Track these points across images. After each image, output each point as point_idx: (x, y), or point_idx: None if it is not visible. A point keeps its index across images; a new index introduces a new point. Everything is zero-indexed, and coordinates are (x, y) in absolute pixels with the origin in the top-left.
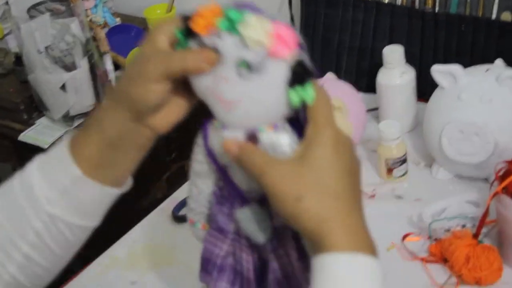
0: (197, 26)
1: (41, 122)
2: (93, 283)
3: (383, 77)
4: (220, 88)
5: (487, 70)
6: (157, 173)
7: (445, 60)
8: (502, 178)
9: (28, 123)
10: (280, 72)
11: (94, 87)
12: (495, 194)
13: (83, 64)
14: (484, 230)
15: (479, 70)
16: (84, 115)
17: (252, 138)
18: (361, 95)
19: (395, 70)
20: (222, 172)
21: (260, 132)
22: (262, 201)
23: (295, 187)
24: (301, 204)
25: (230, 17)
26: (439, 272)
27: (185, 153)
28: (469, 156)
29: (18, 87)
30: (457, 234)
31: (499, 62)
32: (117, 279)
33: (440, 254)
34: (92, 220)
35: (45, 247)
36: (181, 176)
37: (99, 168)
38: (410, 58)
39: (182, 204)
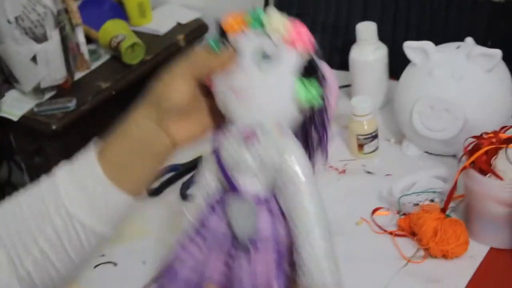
0: (227, 25)
1: (11, 94)
2: None
3: (356, 53)
4: (236, 79)
5: (458, 47)
6: None
7: (417, 38)
8: (470, 153)
9: None
10: (292, 62)
11: (65, 59)
12: (464, 168)
13: (54, 36)
14: (452, 205)
15: (450, 47)
16: (55, 88)
17: (249, 137)
18: (334, 72)
19: (368, 47)
20: (224, 173)
21: (266, 130)
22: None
23: None
24: None
25: (256, 12)
26: (408, 246)
27: None
28: (439, 132)
29: None
30: (426, 208)
31: (469, 40)
32: None
33: (409, 228)
34: (105, 226)
35: (60, 246)
36: None
37: (119, 171)
38: (382, 35)
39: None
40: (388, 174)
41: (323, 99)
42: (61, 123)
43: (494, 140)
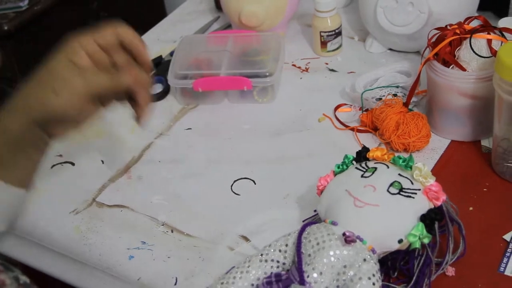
0: (373, 154)
1: None
2: None
3: None
4: (363, 191)
5: None
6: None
7: None
8: (434, 44)
9: None
10: (421, 206)
11: None
12: (427, 60)
13: None
14: (414, 99)
15: None
16: None
17: (350, 239)
18: None
19: None
20: (299, 257)
21: (362, 242)
22: None
23: None
24: None
25: (409, 158)
26: (370, 141)
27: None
28: (403, 26)
29: None
30: (388, 102)
31: None
32: None
33: (371, 123)
34: None
35: None
36: None
37: (1, 169)
38: None
39: None
40: (351, 72)
41: (426, 248)
42: (13, 23)
43: (458, 31)
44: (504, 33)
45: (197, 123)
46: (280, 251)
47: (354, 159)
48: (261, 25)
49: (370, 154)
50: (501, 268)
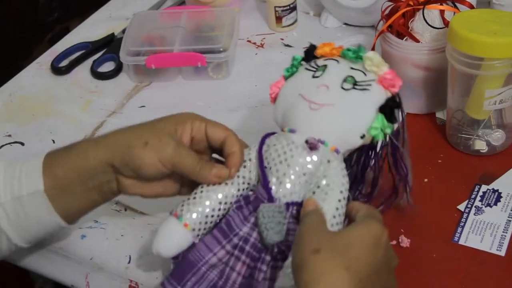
0: (321, 51)
1: None
2: None
3: None
4: (317, 92)
5: None
6: (39, 34)
7: None
8: (387, 17)
9: None
10: (378, 96)
11: None
12: (381, 33)
13: None
14: None
15: None
16: None
17: (314, 146)
18: None
19: None
20: (263, 172)
21: (324, 145)
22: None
23: (318, 241)
24: (315, 255)
25: (358, 48)
26: None
27: (69, 12)
28: (358, 0)
29: None
30: None
31: None
32: None
33: None
34: (22, 240)
35: None
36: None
37: (59, 193)
38: None
39: (63, 56)
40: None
41: (390, 138)
42: None
43: (411, 2)
44: (456, 3)
45: (150, 101)
46: (244, 166)
47: (303, 59)
48: (215, 0)
49: (318, 51)
50: (455, 238)
